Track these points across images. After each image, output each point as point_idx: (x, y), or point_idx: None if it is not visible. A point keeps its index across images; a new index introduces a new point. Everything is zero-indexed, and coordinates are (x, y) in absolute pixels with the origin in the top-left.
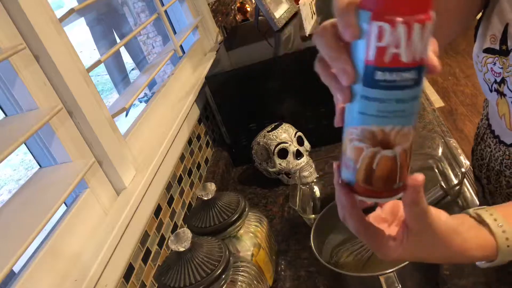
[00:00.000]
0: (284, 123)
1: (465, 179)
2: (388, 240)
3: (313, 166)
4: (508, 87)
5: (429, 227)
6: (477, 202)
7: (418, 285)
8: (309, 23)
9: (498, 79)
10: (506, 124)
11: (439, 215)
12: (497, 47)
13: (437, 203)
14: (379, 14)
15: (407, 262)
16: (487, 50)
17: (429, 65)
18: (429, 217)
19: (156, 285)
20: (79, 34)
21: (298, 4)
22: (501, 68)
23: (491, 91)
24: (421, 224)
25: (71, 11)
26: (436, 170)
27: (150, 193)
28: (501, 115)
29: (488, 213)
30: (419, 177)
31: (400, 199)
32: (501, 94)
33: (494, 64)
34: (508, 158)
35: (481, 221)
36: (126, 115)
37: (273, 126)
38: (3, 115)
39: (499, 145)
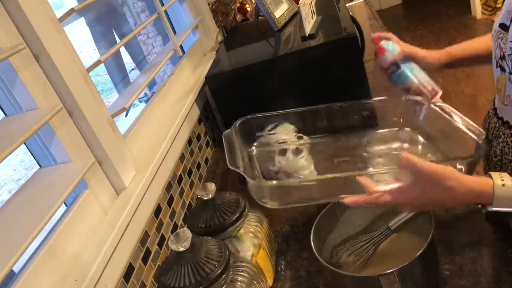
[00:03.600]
0: (284, 123)
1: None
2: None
3: (313, 165)
4: (506, 62)
5: (420, 174)
6: None
7: (418, 285)
8: (309, 23)
9: (502, 55)
10: (500, 98)
11: (425, 163)
12: (508, 23)
13: None
14: None
15: (406, 263)
16: (501, 26)
17: None
18: (417, 167)
19: (156, 285)
20: (79, 34)
21: (298, 4)
22: (504, 43)
23: (496, 66)
24: (412, 174)
25: (71, 11)
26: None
27: (150, 193)
28: (498, 89)
29: (498, 173)
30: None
31: None
32: (502, 69)
33: (502, 39)
34: (497, 130)
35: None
36: (126, 115)
37: (272, 126)
38: (3, 115)
39: (495, 118)
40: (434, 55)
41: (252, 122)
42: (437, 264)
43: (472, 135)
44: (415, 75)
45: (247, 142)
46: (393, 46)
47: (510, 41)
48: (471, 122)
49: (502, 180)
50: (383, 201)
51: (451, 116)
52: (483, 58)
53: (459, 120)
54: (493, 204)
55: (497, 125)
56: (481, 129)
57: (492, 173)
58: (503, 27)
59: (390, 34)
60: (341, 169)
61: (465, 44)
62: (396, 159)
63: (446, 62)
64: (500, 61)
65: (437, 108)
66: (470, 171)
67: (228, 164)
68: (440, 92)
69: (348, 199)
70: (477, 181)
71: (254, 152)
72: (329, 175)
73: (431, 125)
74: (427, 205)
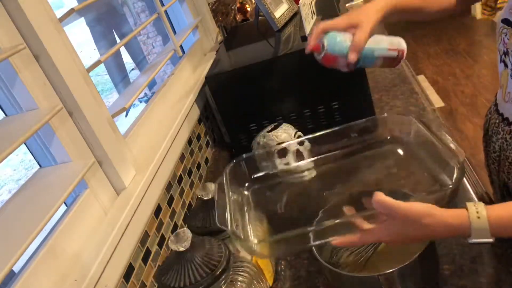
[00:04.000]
0: (284, 123)
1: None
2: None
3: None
4: (509, 58)
5: (395, 214)
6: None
7: (418, 285)
8: (309, 23)
9: (506, 50)
10: (502, 94)
11: (398, 204)
12: (511, 18)
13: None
14: None
15: (406, 263)
16: (504, 21)
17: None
18: (398, 209)
19: (156, 285)
20: (79, 34)
21: (298, 4)
22: (509, 39)
23: (500, 61)
24: (388, 215)
25: (71, 11)
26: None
27: (150, 193)
28: (501, 85)
29: (473, 203)
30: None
31: None
32: (505, 65)
33: (506, 35)
34: (497, 126)
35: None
36: (126, 115)
37: (273, 126)
38: (3, 115)
39: (496, 114)
40: (373, 19)
41: (243, 164)
42: (437, 264)
43: (452, 155)
44: (375, 53)
45: (240, 184)
46: (336, 44)
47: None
48: (452, 142)
49: (477, 212)
50: (366, 240)
51: (435, 135)
52: (433, 12)
53: (443, 138)
54: (471, 236)
55: (497, 121)
56: (460, 150)
57: (468, 204)
58: (507, 22)
59: (320, 27)
60: (331, 201)
61: None
62: (373, 201)
63: (386, 15)
64: (503, 56)
65: (422, 127)
66: (452, 198)
67: (217, 222)
68: (404, 48)
69: (336, 241)
70: (453, 216)
71: (246, 193)
72: (321, 225)
73: (417, 142)
74: (407, 240)
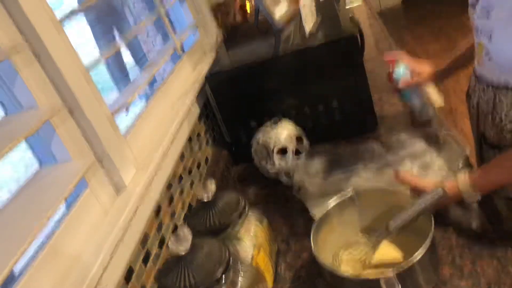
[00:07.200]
0: (283, 120)
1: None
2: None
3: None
4: (478, 33)
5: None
6: None
7: (418, 286)
8: (309, 23)
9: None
10: (477, 59)
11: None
12: (474, 3)
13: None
14: None
15: (406, 264)
16: (471, 5)
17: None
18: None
19: (157, 285)
20: (79, 33)
21: (298, 4)
22: (474, 20)
23: (476, 36)
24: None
25: (72, 11)
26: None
27: (150, 193)
28: (477, 52)
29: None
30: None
31: None
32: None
33: (473, 15)
34: (474, 86)
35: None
36: (127, 113)
37: (271, 122)
38: (4, 114)
39: (473, 76)
40: (431, 71)
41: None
42: (437, 264)
43: (459, 148)
44: (421, 97)
45: None
46: (400, 72)
47: (476, 19)
48: (459, 138)
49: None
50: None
51: (450, 134)
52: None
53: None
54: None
55: (475, 82)
56: (463, 143)
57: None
58: (472, 6)
59: (400, 54)
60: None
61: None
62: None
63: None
64: (475, 32)
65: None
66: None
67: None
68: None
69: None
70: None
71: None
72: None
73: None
74: None
